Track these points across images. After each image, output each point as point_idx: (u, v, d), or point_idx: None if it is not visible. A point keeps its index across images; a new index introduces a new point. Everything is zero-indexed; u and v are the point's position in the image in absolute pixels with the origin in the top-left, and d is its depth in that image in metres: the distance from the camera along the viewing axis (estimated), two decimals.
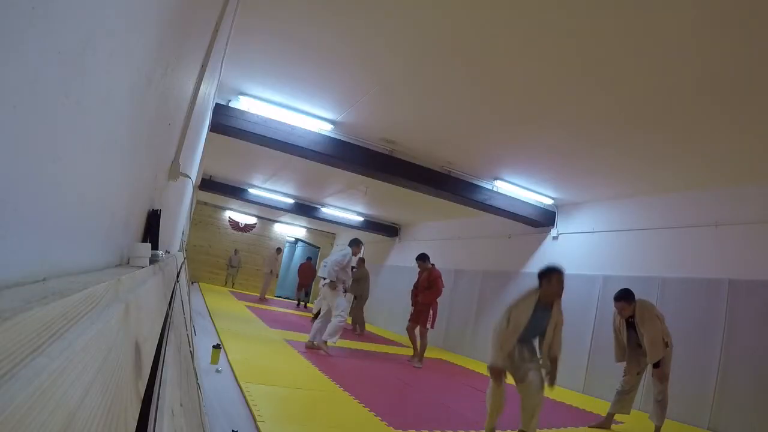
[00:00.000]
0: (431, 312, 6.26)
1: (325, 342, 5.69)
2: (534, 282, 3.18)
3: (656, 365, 3.90)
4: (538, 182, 6.23)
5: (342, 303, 5.75)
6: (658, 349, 3.86)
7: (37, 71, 0.36)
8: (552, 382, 3.10)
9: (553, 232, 7.09)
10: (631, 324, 4.04)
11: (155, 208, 1.40)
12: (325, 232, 16.18)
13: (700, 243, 5.14)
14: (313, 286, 13.86)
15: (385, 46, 3.47)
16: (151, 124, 1.00)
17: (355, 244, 6.04)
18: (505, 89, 3.82)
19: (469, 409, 4.11)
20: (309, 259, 13.79)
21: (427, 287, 6.32)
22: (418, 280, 6.60)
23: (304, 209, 11.51)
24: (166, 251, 1.88)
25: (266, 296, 13.04)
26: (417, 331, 6.34)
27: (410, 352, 6.72)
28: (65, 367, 0.30)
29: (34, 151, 0.39)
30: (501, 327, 3.06)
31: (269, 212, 13.91)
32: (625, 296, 4.06)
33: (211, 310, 7.70)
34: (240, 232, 15.13)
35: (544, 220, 7.05)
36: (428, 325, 6.21)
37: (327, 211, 11.55)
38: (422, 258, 6.51)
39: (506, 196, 6.67)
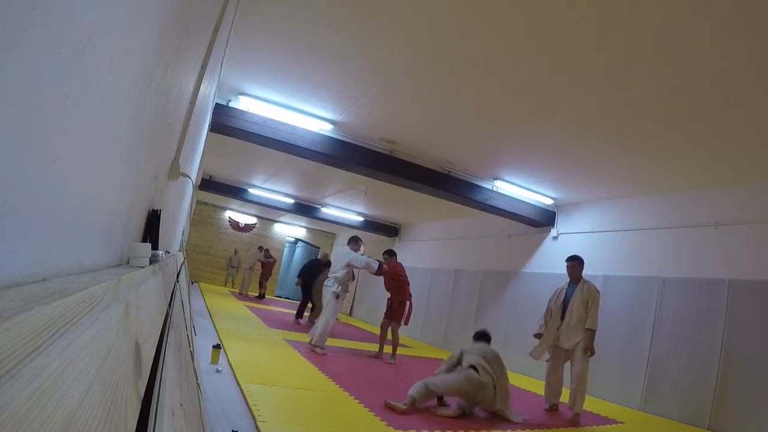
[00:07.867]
0: (407, 307, 6.07)
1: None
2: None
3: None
4: (538, 182, 6.23)
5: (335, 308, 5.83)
6: (595, 316, 4.32)
7: (37, 71, 0.36)
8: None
9: (553, 232, 7.09)
10: (570, 293, 4.51)
11: (155, 208, 1.40)
12: (325, 232, 16.17)
13: (700, 243, 5.13)
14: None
15: (386, 46, 3.47)
16: (151, 124, 1.00)
17: (354, 241, 6.11)
18: (505, 89, 3.82)
19: None
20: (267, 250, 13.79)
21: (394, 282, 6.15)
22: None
23: (304, 209, 11.50)
24: (166, 251, 1.88)
25: (246, 292, 13.13)
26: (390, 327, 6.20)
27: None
28: (65, 367, 0.30)
29: (34, 151, 0.39)
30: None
31: (269, 212, 13.91)
32: (579, 258, 4.63)
33: (211, 310, 7.71)
34: (240, 232, 15.13)
35: (544, 220, 7.05)
36: (402, 322, 6.06)
37: (327, 211, 11.55)
38: (387, 253, 6.32)
39: (506, 196, 6.67)
